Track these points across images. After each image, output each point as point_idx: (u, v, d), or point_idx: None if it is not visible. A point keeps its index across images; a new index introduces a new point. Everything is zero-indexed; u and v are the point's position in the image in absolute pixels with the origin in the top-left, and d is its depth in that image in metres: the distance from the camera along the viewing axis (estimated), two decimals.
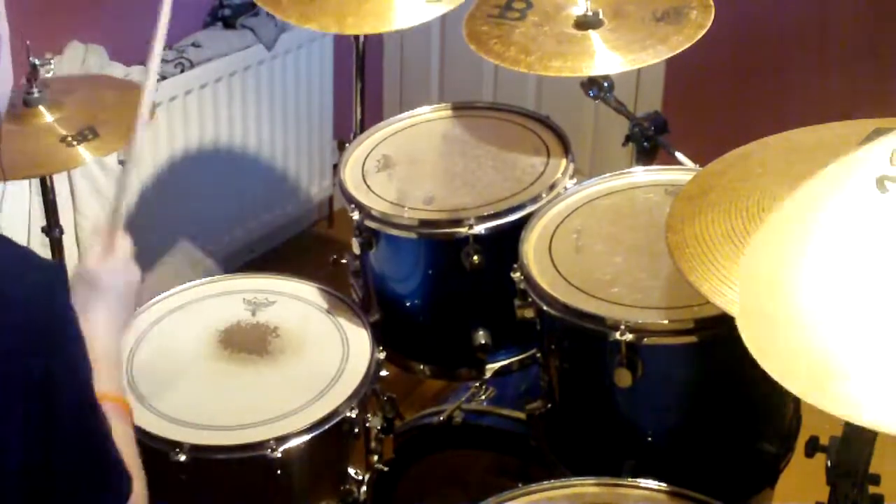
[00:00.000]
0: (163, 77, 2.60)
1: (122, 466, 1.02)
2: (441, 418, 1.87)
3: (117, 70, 2.51)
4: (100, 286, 1.27)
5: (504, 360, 1.84)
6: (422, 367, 1.92)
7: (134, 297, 1.32)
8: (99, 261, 1.30)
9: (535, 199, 1.74)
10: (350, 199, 1.81)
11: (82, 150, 1.79)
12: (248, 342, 1.72)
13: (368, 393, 1.66)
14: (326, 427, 1.57)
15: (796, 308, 0.92)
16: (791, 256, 0.97)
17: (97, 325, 1.23)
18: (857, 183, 0.97)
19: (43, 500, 0.94)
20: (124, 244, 1.34)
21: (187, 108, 2.70)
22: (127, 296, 1.31)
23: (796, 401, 1.63)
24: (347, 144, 2.00)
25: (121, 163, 2.49)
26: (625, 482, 1.37)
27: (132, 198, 2.63)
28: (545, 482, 1.37)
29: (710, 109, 2.82)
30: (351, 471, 1.67)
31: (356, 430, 1.63)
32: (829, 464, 1.26)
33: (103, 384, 1.13)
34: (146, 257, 2.70)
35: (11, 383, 0.88)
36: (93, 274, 1.27)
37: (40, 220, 2.02)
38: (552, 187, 1.77)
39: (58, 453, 0.93)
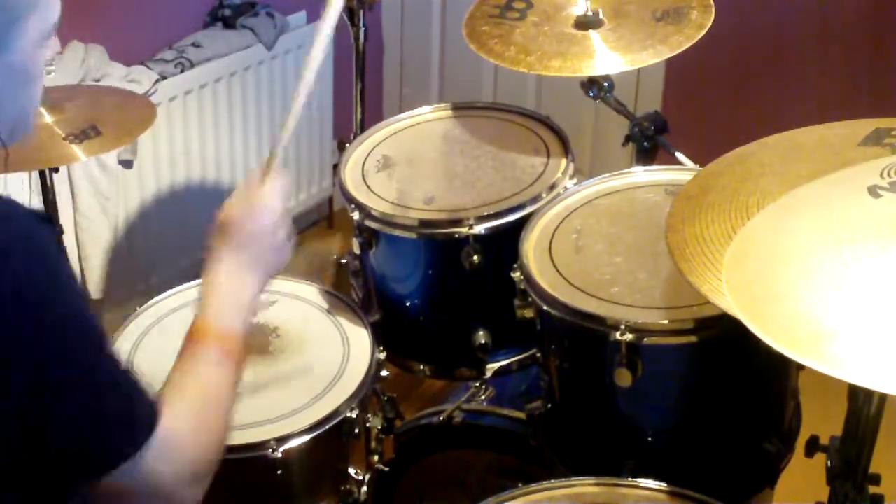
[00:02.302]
0: (163, 77, 2.60)
1: (136, 397, 1.02)
2: (441, 418, 1.87)
3: (117, 70, 2.52)
4: (230, 229, 1.26)
5: (504, 360, 1.84)
6: (422, 367, 1.92)
7: (279, 239, 1.28)
8: (237, 204, 1.29)
9: (535, 199, 1.74)
10: (350, 199, 1.81)
11: (84, 147, 1.79)
12: (248, 342, 1.72)
13: (369, 393, 1.66)
14: (327, 427, 1.57)
15: (787, 280, 0.94)
16: (784, 236, 0.99)
17: (220, 265, 1.24)
18: (850, 188, 1.00)
19: (42, 434, 0.94)
20: (273, 185, 1.31)
21: (187, 108, 2.70)
22: (266, 238, 1.26)
23: (796, 400, 1.63)
24: (347, 144, 2.00)
25: (121, 163, 2.49)
26: (625, 482, 1.37)
27: (132, 199, 2.63)
28: (545, 482, 1.37)
29: (710, 109, 2.82)
30: (351, 471, 1.68)
31: (356, 430, 1.63)
32: (829, 464, 1.26)
33: (211, 318, 1.18)
34: (145, 257, 2.71)
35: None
36: (226, 216, 1.27)
37: None
38: (552, 187, 1.77)
39: (52, 380, 0.93)
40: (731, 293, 0.97)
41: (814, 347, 0.86)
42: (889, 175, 1.00)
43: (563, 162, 1.83)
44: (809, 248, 0.95)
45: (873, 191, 0.98)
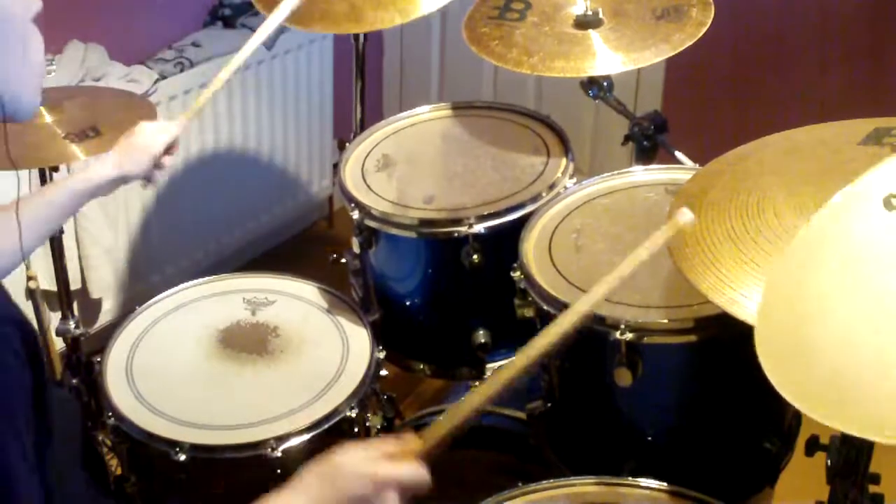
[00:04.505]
0: (162, 77, 2.60)
1: None
2: (441, 418, 1.87)
3: (117, 70, 2.51)
4: (328, 474, 1.14)
5: (504, 359, 1.84)
6: (422, 366, 1.92)
7: None
8: (352, 459, 1.13)
9: (534, 199, 1.74)
10: (350, 199, 1.81)
11: (84, 147, 1.79)
12: (247, 342, 1.72)
13: (368, 392, 1.66)
14: (326, 426, 1.57)
15: (816, 333, 0.92)
16: (809, 280, 0.97)
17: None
18: (866, 204, 0.97)
19: None
20: (398, 468, 1.13)
21: (187, 108, 2.69)
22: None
23: None
24: (347, 144, 2.00)
25: None
26: (625, 482, 1.37)
27: (132, 199, 2.63)
28: (545, 482, 1.37)
29: (710, 109, 2.82)
30: None
31: (356, 429, 1.63)
32: (829, 463, 1.26)
33: None
34: (145, 257, 2.71)
35: None
36: (337, 462, 1.14)
37: None
38: (552, 187, 1.77)
39: None
40: (761, 355, 0.95)
41: (839, 409, 0.86)
42: None
43: (563, 161, 1.83)
44: (829, 288, 0.93)
45: (888, 202, 0.97)
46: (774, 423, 1.58)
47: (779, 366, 0.93)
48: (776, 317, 0.98)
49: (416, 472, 1.13)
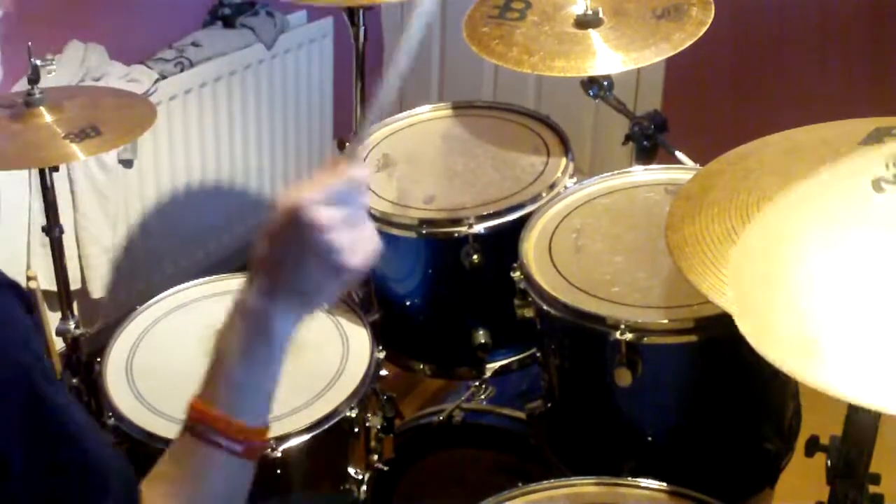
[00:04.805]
0: (163, 76, 2.60)
1: (102, 467, 0.88)
2: (441, 418, 1.87)
3: (117, 70, 2.51)
4: (261, 251, 0.96)
5: (504, 359, 1.84)
6: (422, 366, 1.92)
7: (330, 254, 0.92)
8: (284, 205, 0.93)
9: (534, 199, 1.74)
10: None
11: (84, 147, 1.79)
12: None
13: (368, 392, 1.66)
14: (326, 426, 1.57)
15: (789, 289, 0.93)
16: (785, 244, 0.98)
17: (242, 308, 0.96)
18: (853, 182, 0.99)
19: None
20: (342, 177, 0.95)
21: (187, 107, 2.70)
22: (308, 252, 0.92)
23: (796, 400, 1.63)
24: (347, 143, 2.00)
25: (121, 162, 2.49)
26: (625, 482, 1.37)
27: (132, 199, 2.63)
28: (545, 482, 1.37)
29: (710, 109, 2.82)
30: (351, 470, 1.67)
31: (356, 429, 1.63)
32: (829, 464, 1.26)
33: (200, 395, 0.96)
34: (145, 257, 2.71)
35: None
36: (266, 226, 0.95)
37: (40, 220, 2.02)
38: (552, 186, 1.77)
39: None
40: (734, 297, 0.96)
41: (807, 361, 0.86)
42: (895, 166, 0.99)
43: (563, 161, 1.83)
44: (810, 250, 0.95)
45: (877, 184, 0.97)
46: (774, 423, 1.58)
47: (749, 309, 0.94)
48: (750, 267, 0.99)
49: (349, 171, 0.96)
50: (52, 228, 1.97)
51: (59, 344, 2.14)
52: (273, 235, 0.96)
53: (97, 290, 2.55)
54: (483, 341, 1.79)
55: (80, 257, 2.50)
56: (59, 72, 2.35)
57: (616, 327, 1.42)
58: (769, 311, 0.93)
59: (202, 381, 0.98)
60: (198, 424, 0.95)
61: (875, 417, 1.19)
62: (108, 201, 2.49)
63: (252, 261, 0.99)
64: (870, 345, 0.86)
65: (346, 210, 0.94)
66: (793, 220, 1.01)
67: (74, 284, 2.41)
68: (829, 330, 0.88)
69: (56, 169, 1.96)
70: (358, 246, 0.95)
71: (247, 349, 0.97)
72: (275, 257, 0.96)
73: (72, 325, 2.05)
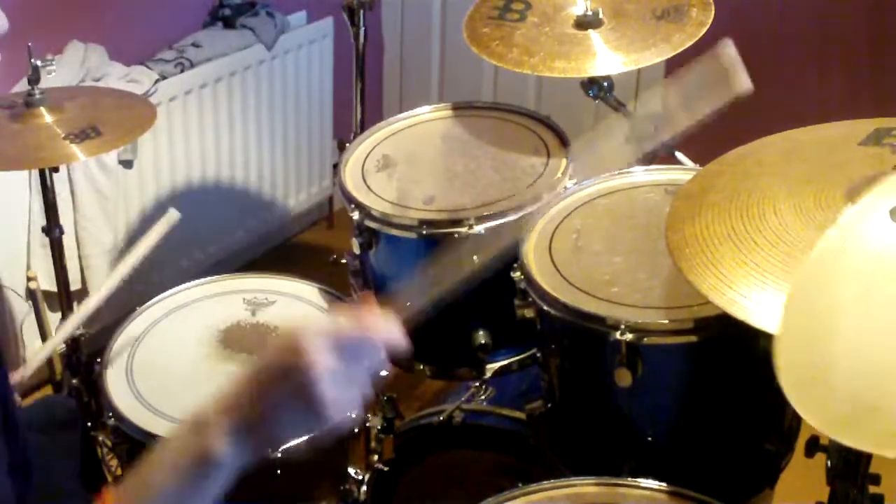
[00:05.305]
0: (163, 77, 2.60)
1: None
2: (441, 418, 1.87)
3: (117, 70, 2.52)
4: (244, 384, 0.91)
5: (504, 360, 1.84)
6: (422, 367, 1.91)
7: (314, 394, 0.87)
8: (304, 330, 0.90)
9: (535, 199, 1.74)
10: (350, 199, 1.81)
11: (84, 147, 1.79)
12: (248, 342, 1.72)
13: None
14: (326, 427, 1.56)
15: (833, 349, 0.92)
16: (824, 297, 0.97)
17: (182, 429, 0.94)
18: (873, 217, 0.98)
19: None
20: (357, 323, 0.92)
21: (187, 108, 2.70)
22: (286, 402, 0.88)
23: None
24: (347, 144, 2.00)
25: (121, 163, 2.49)
26: (625, 482, 1.37)
27: (132, 199, 2.63)
28: (545, 482, 1.37)
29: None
30: (351, 471, 1.67)
31: (356, 430, 1.63)
32: (829, 464, 1.26)
33: (116, 491, 0.91)
34: (146, 256, 2.70)
35: None
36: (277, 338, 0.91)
37: (40, 220, 2.02)
38: (552, 187, 1.77)
39: None
40: (782, 376, 0.94)
41: (855, 427, 0.86)
42: None
43: (563, 162, 1.83)
44: (844, 305, 0.93)
45: (895, 214, 0.96)
46: (774, 423, 1.58)
47: (798, 385, 0.92)
48: (794, 336, 0.96)
49: (373, 326, 0.92)
50: (52, 229, 1.97)
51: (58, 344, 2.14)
52: (264, 362, 0.90)
53: (97, 290, 2.55)
54: (483, 342, 1.79)
55: (80, 257, 2.50)
56: (60, 72, 2.35)
57: (616, 328, 1.42)
58: (815, 379, 0.91)
59: (130, 473, 0.92)
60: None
61: None
62: (108, 201, 2.49)
63: (232, 387, 0.93)
64: None
65: (351, 365, 0.89)
66: (830, 272, 0.98)
67: (74, 285, 2.41)
68: (873, 398, 0.87)
69: (56, 169, 1.96)
70: (346, 404, 0.89)
71: (181, 471, 0.91)
72: (256, 395, 0.90)
73: None
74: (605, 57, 1.78)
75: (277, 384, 0.88)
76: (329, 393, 0.87)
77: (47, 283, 2.14)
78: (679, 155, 1.85)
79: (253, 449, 0.91)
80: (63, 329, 1.48)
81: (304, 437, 0.92)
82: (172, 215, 1.40)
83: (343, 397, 0.88)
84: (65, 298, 2.05)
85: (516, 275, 1.59)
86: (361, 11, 2.17)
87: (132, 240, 2.64)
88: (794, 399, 0.90)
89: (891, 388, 0.86)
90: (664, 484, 1.35)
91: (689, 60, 1.12)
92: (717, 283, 1.16)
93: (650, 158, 1.94)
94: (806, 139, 1.35)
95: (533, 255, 1.61)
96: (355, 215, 1.78)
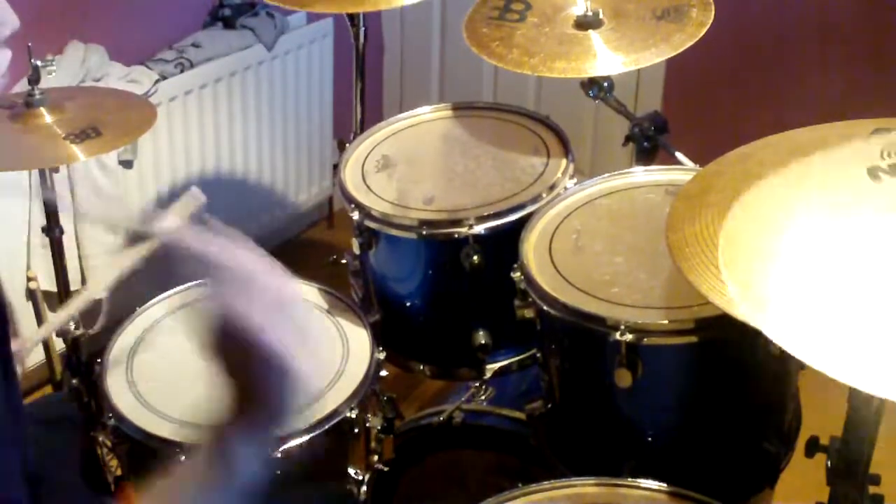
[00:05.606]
0: (163, 77, 2.60)
1: None
2: (441, 418, 1.87)
3: (117, 70, 2.52)
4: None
5: (504, 360, 1.84)
6: (422, 367, 1.92)
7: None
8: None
9: (535, 199, 1.74)
10: (350, 199, 1.81)
11: (84, 147, 1.79)
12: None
13: (368, 393, 1.66)
14: (326, 427, 1.57)
15: (781, 260, 0.94)
16: (777, 220, 1.00)
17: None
18: (849, 169, 1.00)
19: None
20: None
21: (187, 108, 2.70)
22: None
23: (796, 401, 1.63)
24: (347, 144, 2.00)
25: (121, 163, 2.49)
26: (625, 482, 1.37)
27: (132, 199, 2.63)
28: (545, 482, 1.37)
29: (710, 109, 2.82)
30: (351, 471, 1.67)
31: (356, 430, 1.63)
32: (829, 464, 1.26)
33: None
34: (145, 257, 2.70)
35: None
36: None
37: (40, 220, 2.02)
38: (552, 187, 1.77)
39: None
40: (725, 267, 0.96)
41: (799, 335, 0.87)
42: (889, 156, 1.00)
43: (563, 162, 1.83)
44: (806, 228, 0.95)
45: (873, 173, 0.98)
46: (774, 423, 1.58)
47: (738, 270, 0.95)
48: (742, 228, 1.00)
49: None
50: (52, 229, 1.97)
51: (59, 345, 2.14)
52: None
53: (97, 290, 2.55)
54: (483, 342, 1.79)
55: (79, 257, 2.50)
56: (60, 72, 2.35)
57: (616, 328, 1.42)
58: (760, 279, 0.93)
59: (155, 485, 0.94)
60: None
61: (875, 418, 1.19)
62: (108, 201, 2.49)
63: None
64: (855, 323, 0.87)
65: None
66: (787, 199, 1.02)
67: (74, 285, 2.41)
68: (822, 308, 0.88)
69: (56, 170, 1.96)
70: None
71: (206, 486, 0.94)
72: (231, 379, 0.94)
73: (72, 325, 2.05)
74: (605, 57, 1.78)
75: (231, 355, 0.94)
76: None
77: (47, 282, 2.14)
78: (679, 155, 1.85)
79: (259, 442, 0.94)
80: (75, 301, 1.45)
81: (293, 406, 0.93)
82: (196, 195, 1.32)
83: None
84: (65, 298, 2.05)
85: (516, 275, 1.59)
86: (361, 12, 2.17)
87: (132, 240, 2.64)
88: (731, 278, 0.93)
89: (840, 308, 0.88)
90: (664, 484, 1.35)
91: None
92: (717, 283, 1.16)
93: (650, 159, 1.95)
94: (806, 139, 1.35)
95: (533, 255, 1.61)
96: (355, 215, 1.79)
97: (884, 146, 1.00)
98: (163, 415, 1.58)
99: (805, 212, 0.97)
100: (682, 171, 1.75)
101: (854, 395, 1.19)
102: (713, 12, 1.78)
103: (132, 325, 1.77)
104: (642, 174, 1.78)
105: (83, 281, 2.53)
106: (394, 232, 1.76)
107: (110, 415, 1.60)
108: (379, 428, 1.74)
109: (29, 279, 2.09)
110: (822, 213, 0.97)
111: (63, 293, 2.05)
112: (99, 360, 1.70)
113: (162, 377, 1.66)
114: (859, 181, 0.98)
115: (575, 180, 1.80)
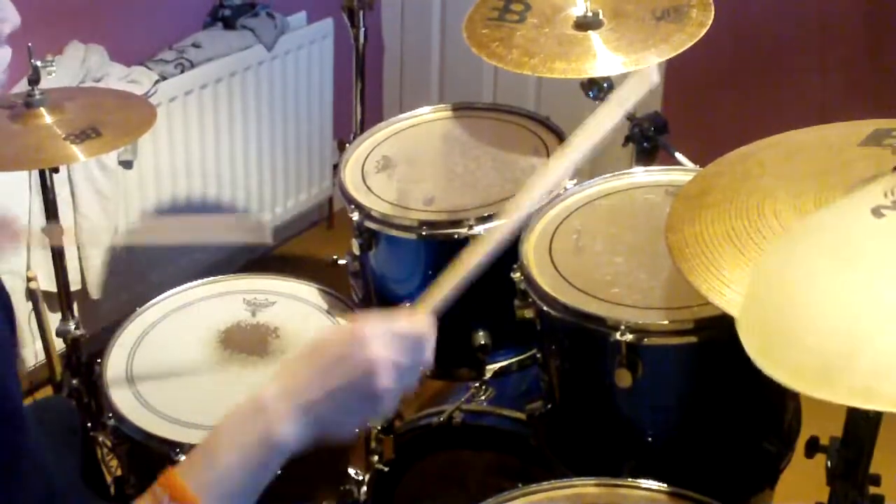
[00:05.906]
0: (163, 77, 2.60)
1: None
2: (441, 418, 1.87)
3: (117, 71, 2.52)
4: (309, 350, 0.97)
5: (504, 360, 1.84)
6: None
7: (366, 389, 0.95)
8: (354, 326, 0.97)
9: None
10: (350, 200, 1.81)
11: (84, 148, 1.80)
12: (248, 343, 1.72)
13: None
14: None
15: (797, 312, 0.94)
16: (796, 268, 1.00)
17: (245, 406, 0.99)
18: (855, 212, 1.01)
19: None
20: (403, 323, 1.00)
21: (187, 109, 2.70)
22: (342, 378, 0.95)
23: (796, 401, 1.63)
24: (347, 144, 2.00)
25: (121, 163, 2.49)
26: (625, 482, 1.37)
27: (132, 199, 2.63)
28: (545, 482, 1.37)
29: (710, 109, 2.82)
30: (351, 471, 1.68)
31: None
32: (829, 464, 1.26)
33: (181, 467, 0.96)
34: (145, 257, 2.71)
35: None
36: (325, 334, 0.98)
37: (40, 220, 2.02)
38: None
39: None
40: (744, 338, 0.98)
41: (826, 381, 0.88)
42: (893, 194, 1.01)
43: None
44: (817, 277, 0.96)
45: (877, 211, 0.99)
46: (774, 424, 1.58)
47: (764, 348, 0.98)
48: (761, 300, 1.01)
49: (423, 325, 1.01)
50: (52, 228, 1.97)
51: (59, 345, 2.14)
52: (325, 348, 0.97)
53: (97, 290, 2.55)
54: (483, 342, 1.79)
55: (79, 258, 2.50)
56: (60, 73, 2.35)
57: (616, 328, 1.42)
58: (783, 346, 0.95)
59: (190, 452, 0.98)
60: (164, 494, 0.96)
61: (875, 419, 1.19)
62: (108, 202, 2.49)
63: (290, 372, 0.99)
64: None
65: (407, 361, 0.98)
66: (801, 251, 1.02)
67: (74, 285, 2.41)
68: (842, 347, 0.89)
69: (56, 170, 1.96)
70: (397, 397, 0.98)
71: (246, 451, 0.97)
72: (320, 381, 0.96)
73: (72, 326, 2.05)
74: (605, 58, 1.78)
75: (342, 372, 0.95)
76: (388, 385, 0.96)
77: (47, 283, 2.15)
78: (679, 156, 1.86)
79: (313, 433, 0.97)
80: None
81: (357, 427, 1.01)
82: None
83: (398, 390, 0.98)
84: (65, 299, 2.05)
85: (516, 275, 1.59)
86: (361, 12, 2.17)
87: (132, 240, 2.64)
88: (761, 361, 0.95)
89: (863, 342, 0.89)
90: (664, 484, 1.35)
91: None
92: (717, 284, 1.16)
93: (650, 160, 1.95)
94: (806, 139, 1.35)
95: (533, 255, 1.61)
96: (355, 216, 1.79)
97: (886, 188, 1.02)
98: (163, 415, 1.58)
99: (818, 269, 0.98)
100: (682, 172, 1.75)
101: None
102: (713, 13, 1.78)
103: (132, 326, 1.77)
104: (642, 175, 1.78)
105: (83, 281, 2.53)
106: (394, 232, 1.76)
107: (110, 415, 1.60)
108: (379, 428, 1.74)
109: (29, 280, 2.09)
110: (834, 264, 0.97)
111: (63, 293, 2.05)
112: (99, 360, 1.70)
113: (162, 378, 1.66)
114: (864, 222, 0.99)
115: (575, 181, 1.80)
